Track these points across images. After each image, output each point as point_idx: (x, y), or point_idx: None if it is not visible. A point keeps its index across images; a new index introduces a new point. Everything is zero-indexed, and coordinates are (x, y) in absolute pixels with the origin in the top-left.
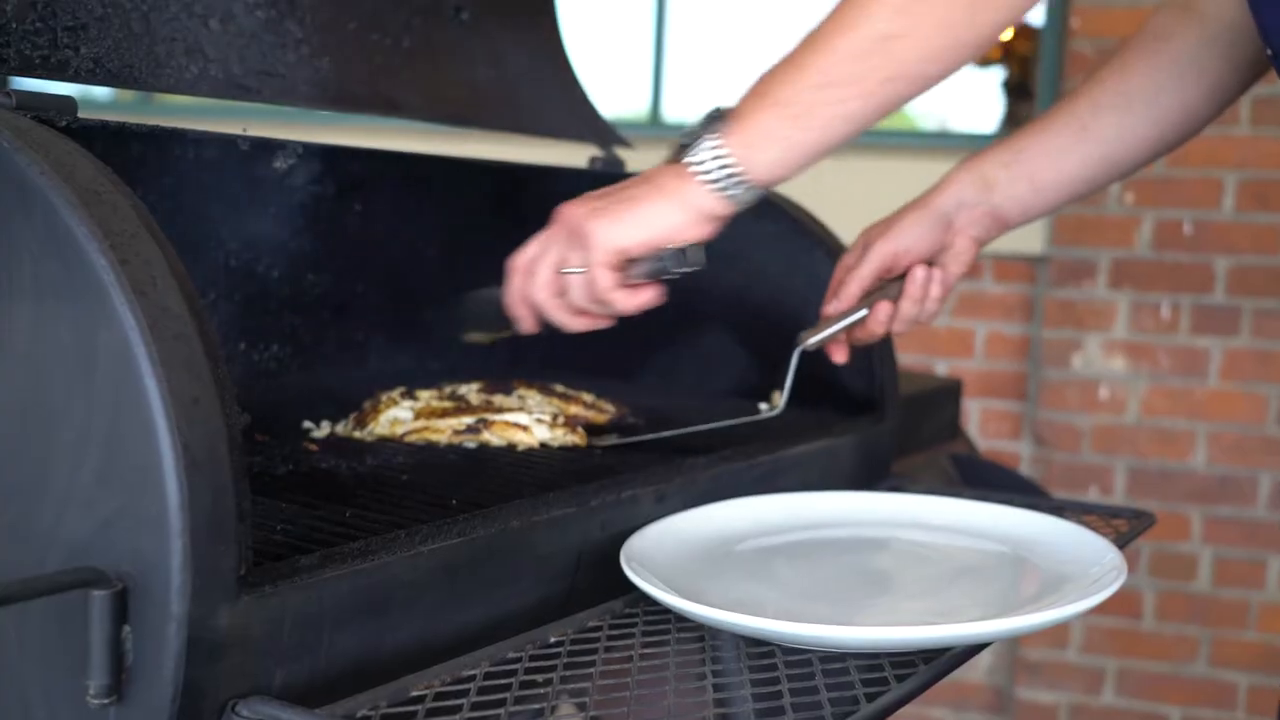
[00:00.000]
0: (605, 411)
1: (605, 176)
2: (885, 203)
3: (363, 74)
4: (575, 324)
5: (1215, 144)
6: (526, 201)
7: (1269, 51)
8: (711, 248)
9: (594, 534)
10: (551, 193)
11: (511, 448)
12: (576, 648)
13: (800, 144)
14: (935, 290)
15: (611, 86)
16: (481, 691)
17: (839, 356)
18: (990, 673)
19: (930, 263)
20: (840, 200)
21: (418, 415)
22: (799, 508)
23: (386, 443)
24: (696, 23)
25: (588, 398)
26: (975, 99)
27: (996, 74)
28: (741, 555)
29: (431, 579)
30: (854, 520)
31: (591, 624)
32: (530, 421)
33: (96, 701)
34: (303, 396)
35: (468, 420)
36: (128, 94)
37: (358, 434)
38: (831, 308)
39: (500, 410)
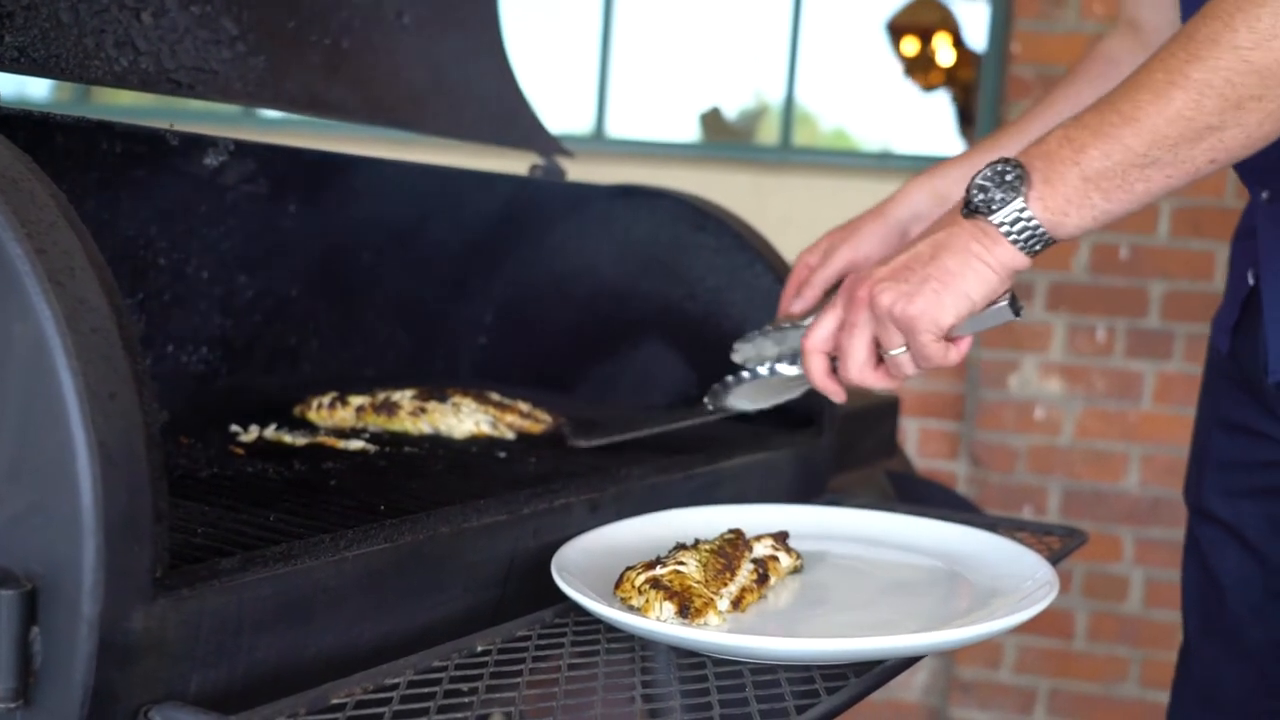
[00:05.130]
0: (541, 421)
1: (546, 185)
2: (826, 220)
3: (299, 74)
4: (891, 384)
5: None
6: (465, 207)
7: None
8: (649, 259)
9: (526, 542)
10: (490, 199)
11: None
12: (504, 657)
13: (1109, 212)
14: None
15: (557, 101)
16: (404, 700)
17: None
18: (925, 692)
19: None
20: (782, 216)
21: None
22: (734, 520)
23: (316, 447)
24: (641, 40)
25: (524, 406)
26: (918, 122)
27: (939, 98)
28: None
29: (356, 585)
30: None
31: (520, 633)
32: None
33: (2, 705)
34: (232, 400)
35: None
36: (65, 92)
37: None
38: (797, 306)
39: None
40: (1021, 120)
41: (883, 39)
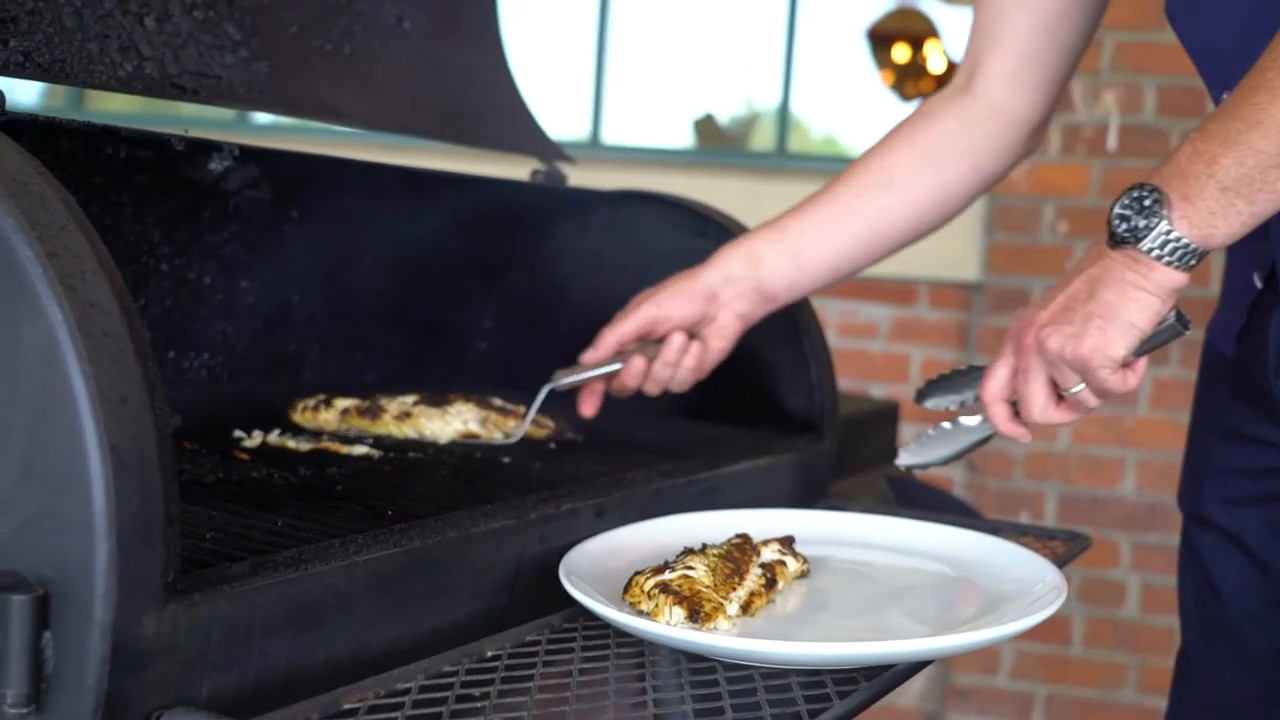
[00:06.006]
0: (544, 426)
1: (547, 190)
2: None
3: (302, 79)
4: (1076, 417)
5: (1146, 175)
6: (466, 213)
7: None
8: (650, 265)
9: (532, 547)
10: (491, 204)
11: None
12: (514, 662)
13: (1256, 214)
14: (689, 360)
15: (553, 109)
16: (416, 705)
17: (587, 409)
18: (922, 698)
19: (693, 335)
20: None
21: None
22: (740, 525)
23: (320, 453)
24: (636, 48)
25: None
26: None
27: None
28: None
29: (366, 590)
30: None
31: (529, 638)
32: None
33: (14, 711)
34: (233, 406)
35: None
36: (57, 98)
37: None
38: (588, 356)
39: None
40: (837, 178)
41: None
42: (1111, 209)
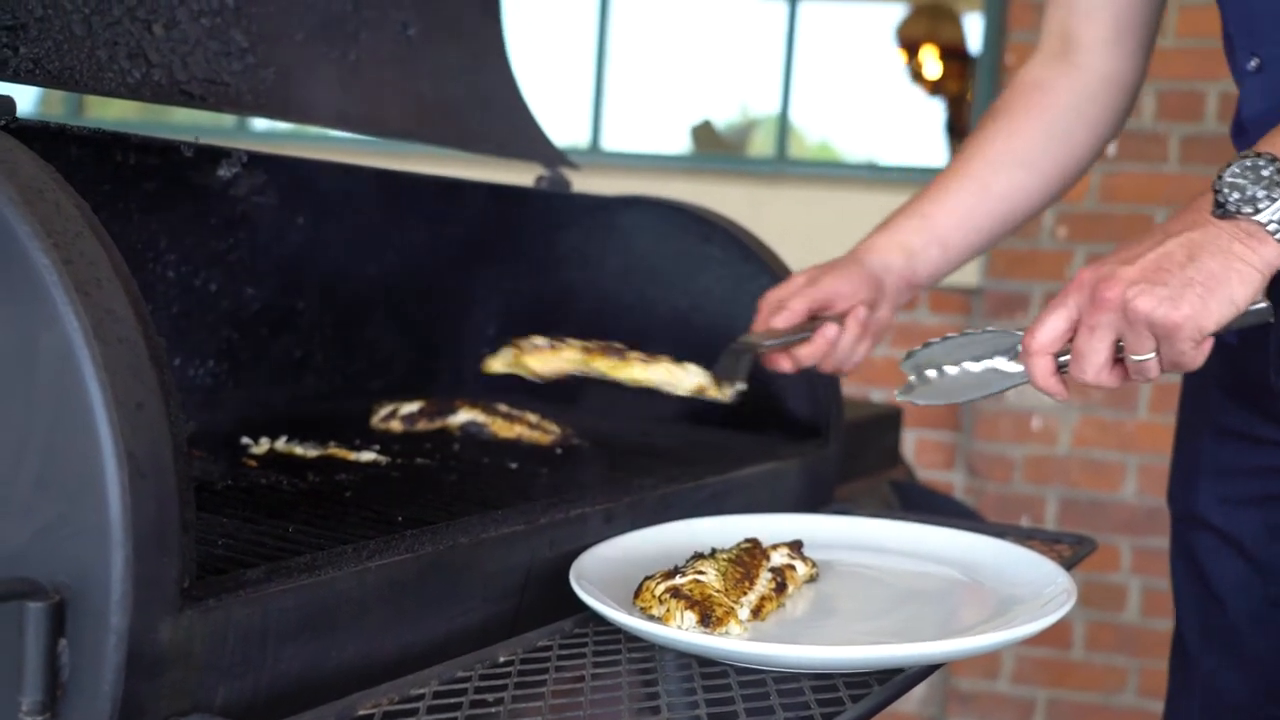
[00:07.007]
0: (550, 432)
1: (551, 196)
2: (823, 231)
3: (308, 85)
4: (1124, 385)
5: (1145, 180)
6: (471, 218)
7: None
8: (655, 270)
9: (542, 552)
10: (495, 210)
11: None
12: (527, 667)
13: None
14: (868, 338)
15: (553, 115)
16: (431, 711)
17: (786, 365)
18: (923, 704)
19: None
20: (778, 228)
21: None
22: (746, 529)
23: (328, 459)
24: (636, 55)
25: (532, 418)
26: (902, 135)
27: (928, 111)
28: None
29: (378, 595)
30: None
31: (541, 643)
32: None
33: (30, 718)
34: (240, 413)
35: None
36: (54, 105)
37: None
38: (780, 320)
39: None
40: (962, 158)
41: (872, 54)
42: (1220, 177)
